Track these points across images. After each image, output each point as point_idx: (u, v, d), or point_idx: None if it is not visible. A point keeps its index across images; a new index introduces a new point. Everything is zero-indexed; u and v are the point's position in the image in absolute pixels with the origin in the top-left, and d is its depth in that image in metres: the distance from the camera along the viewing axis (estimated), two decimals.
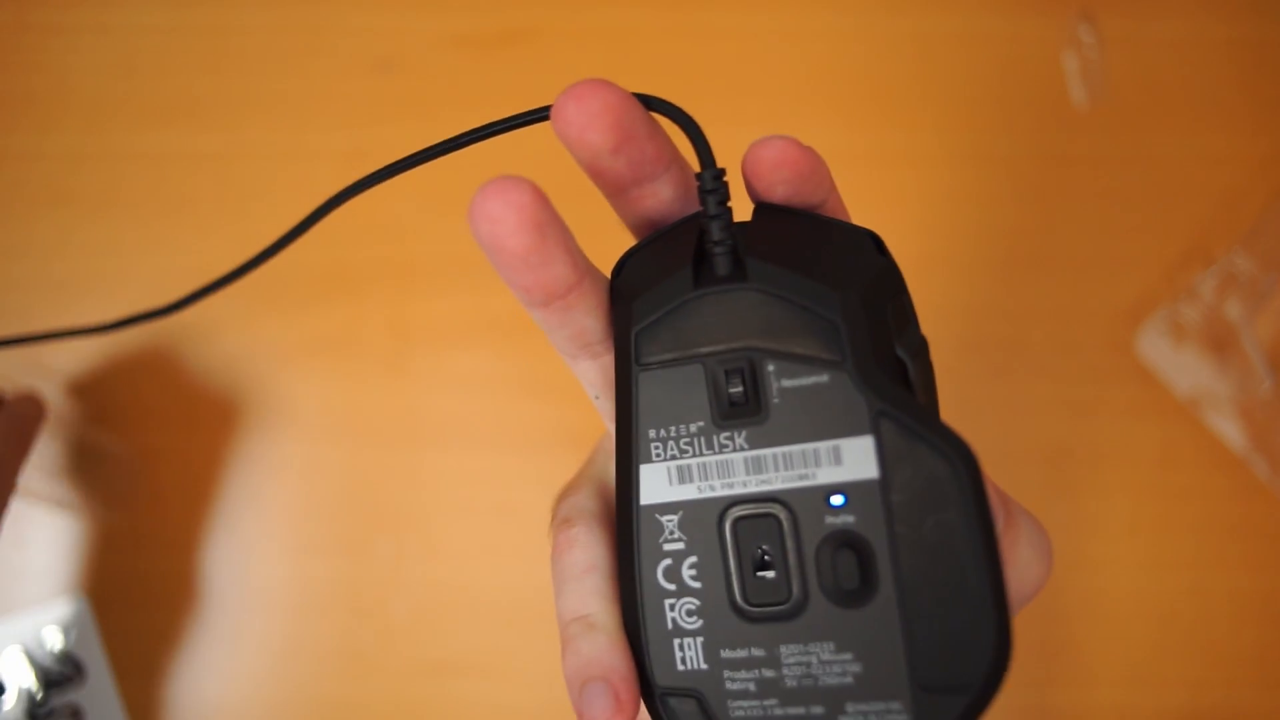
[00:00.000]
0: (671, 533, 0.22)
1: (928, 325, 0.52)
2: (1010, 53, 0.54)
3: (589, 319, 0.24)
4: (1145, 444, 0.50)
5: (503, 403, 0.50)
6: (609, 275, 0.25)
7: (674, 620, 0.22)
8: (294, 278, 0.51)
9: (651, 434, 0.22)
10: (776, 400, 0.21)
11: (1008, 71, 0.54)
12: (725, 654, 0.22)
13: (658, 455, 0.22)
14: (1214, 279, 0.50)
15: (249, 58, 0.54)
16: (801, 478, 0.21)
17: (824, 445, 0.21)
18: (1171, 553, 0.49)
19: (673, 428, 0.22)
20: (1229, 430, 0.49)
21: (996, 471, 0.50)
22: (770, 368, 0.22)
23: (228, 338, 0.51)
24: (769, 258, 0.22)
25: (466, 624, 0.48)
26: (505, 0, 0.54)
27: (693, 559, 0.22)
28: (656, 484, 0.22)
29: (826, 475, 0.21)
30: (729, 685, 0.22)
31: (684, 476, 0.22)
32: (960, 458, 0.20)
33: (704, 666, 0.22)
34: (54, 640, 0.48)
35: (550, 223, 0.21)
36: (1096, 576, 0.49)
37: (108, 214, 0.52)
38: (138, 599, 0.48)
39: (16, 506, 0.49)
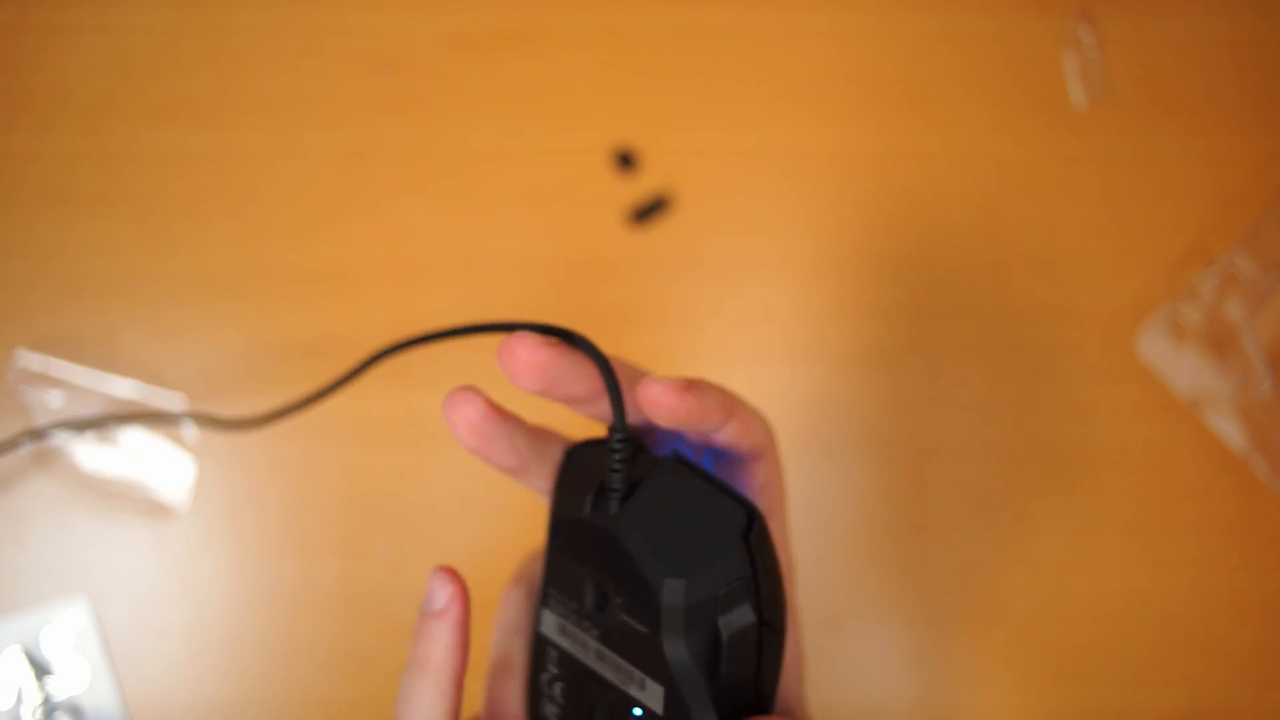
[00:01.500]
0: (552, 659, 0.30)
1: (928, 325, 0.52)
2: (1010, 53, 0.54)
3: (543, 482, 0.30)
4: (1145, 444, 0.50)
5: (502, 403, 0.50)
6: None
7: (545, 704, 0.30)
8: (294, 278, 0.51)
9: (554, 591, 0.29)
10: (617, 623, 0.27)
11: (1008, 71, 0.54)
12: None
13: (555, 608, 0.29)
14: (1214, 279, 0.50)
15: (248, 57, 0.54)
16: (624, 683, 0.27)
17: (637, 673, 0.27)
18: (1171, 553, 0.49)
19: (565, 597, 0.29)
20: (1229, 430, 0.49)
21: (996, 471, 0.50)
22: (617, 600, 0.27)
23: (228, 337, 0.51)
24: (637, 519, 0.26)
25: None
26: (505, 0, 0.54)
27: (559, 684, 0.30)
28: (551, 624, 0.30)
29: (635, 692, 0.27)
30: None
31: (564, 632, 0.29)
32: None
33: None
34: (54, 640, 0.48)
35: (494, 430, 0.28)
36: (1096, 576, 0.49)
37: (106, 214, 0.52)
38: (138, 599, 0.48)
39: (16, 507, 0.49)
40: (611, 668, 0.28)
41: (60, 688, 0.47)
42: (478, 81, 0.54)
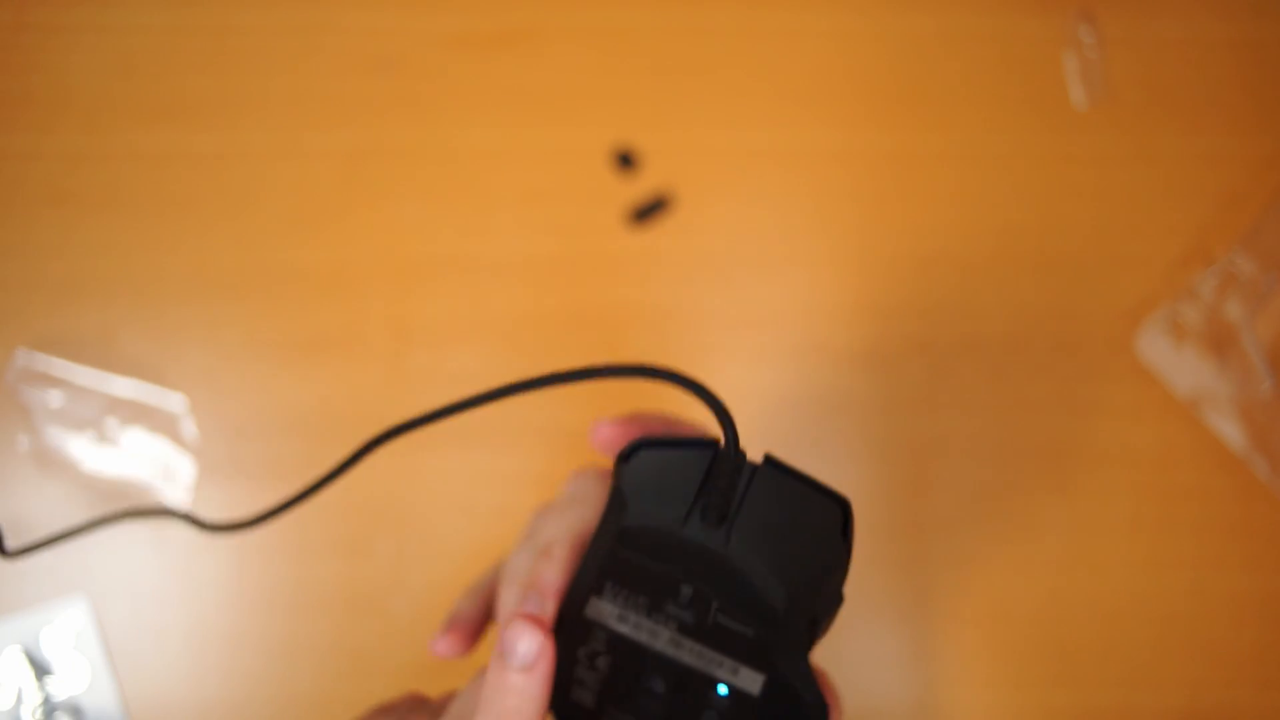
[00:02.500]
0: (599, 639, 0.30)
1: (928, 325, 0.52)
2: (1010, 53, 0.54)
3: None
4: (1145, 444, 0.50)
5: (502, 403, 0.50)
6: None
7: (580, 671, 0.30)
8: (294, 278, 0.51)
9: (611, 584, 0.29)
10: (711, 622, 0.28)
11: (1008, 71, 0.54)
12: (607, 710, 0.30)
13: (612, 598, 0.30)
14: (1214, 279, 0.50)
15: (247, 57, 0.54)
16: (708, 667, 0.29)
17: (729, 662, 0.28)
18: (1171, 553, 0.49)
19: (630, 592, 0.29)
20: (1229, 430, 0.49)
21: (996, 471, 0.50)
22: (715, 605, 0.28)
23: (228, 337, 0.51)
24: (749, 538, 0.28)
25: None
26: (504, 0, 0.54)
27: (603, 658, 0.30)
28: (604, 611, 0.30)
29: (722, 674, 0.29)
30: None
31: (623, 620, 0.29)
32: (816, 714, 0.28)
33: (591, 707, 0.30)
34: (54, 640, 0.48)
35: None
36: (1096, 576, 0.49)
37: (106, 214, 0.52)
38: (138, 599, 0.48)
39: (16, 507, 0.49)
40: (691, 654, 0.29)
41: (60, 688, 0.47)
42: (477, 81, 0.54)
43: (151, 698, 0.48)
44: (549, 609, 0.30)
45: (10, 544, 0.41)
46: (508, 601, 0.31)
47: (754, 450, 0.28)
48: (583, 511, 0.32)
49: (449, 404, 0.30)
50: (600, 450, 0.32)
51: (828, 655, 0.48)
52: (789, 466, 0.29)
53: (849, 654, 0.48)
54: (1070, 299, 0.52)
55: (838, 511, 0.29)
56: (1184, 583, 0.49)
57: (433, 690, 0.36)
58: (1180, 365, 0.50)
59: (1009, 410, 0.51)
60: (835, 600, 0.29)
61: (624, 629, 0.29)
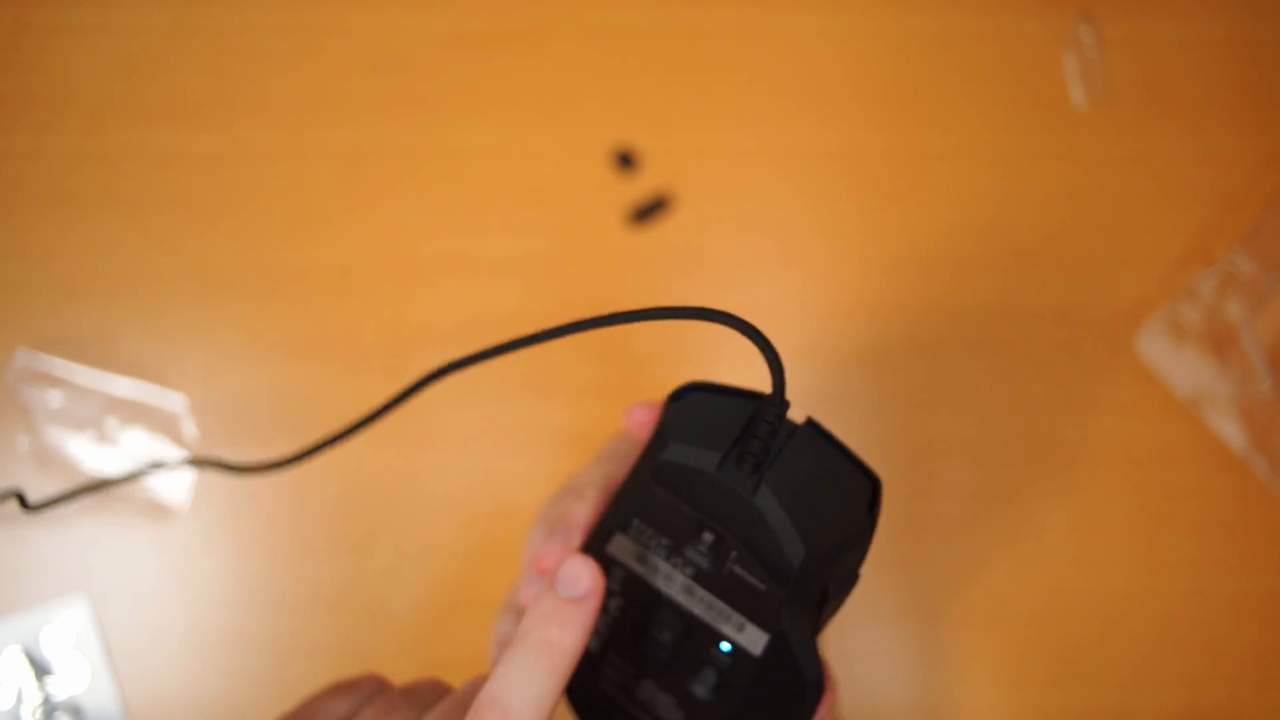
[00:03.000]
0: (615, 577, 0.31)
1: (928, 325, 0.52)
2: (1010, 53, 0.54)
3: None
4: (1145, 444, 0.50)
5: (502, 403, 0.50)
6: None
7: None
8: (294, 278, 0.51)
9: (639, 522, 0.30)
10: (726, 570, 0.29)
11: (1008, 71, 0.54)
12: (608, 656, 0.31)
13: (636, 536, 0.30)
14: (1214, 279, 0.50)
15: (248, 57, 0.54)
16: (715, 620, 0.29)
17: (737, 616, 0.29)
18: (1171, 553, 0.49)
19: (655, 531, 0.30)
20: (1229, 430, 0.49)
21: (996, 471, 0.50)
22: (734, 554, 0.28)
23: (228, 337, 0.51)
24: (779, 490, 0.27)
25: (466, 624, 0.48)
26: (504, 0, 0.54)
27: (615, 599, 0.30)
28: (625, 549, 0.30)
29: (730, 631, 0.29)
30: (602, 671, 0.31)
31: (641, 560, 0.30)
32: (811, 687, 0.28)
33: (592, 651, 0.31)
34: (54, 640, 0.48)
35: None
36: (1096, 576, 0.49)
37: (107, 213, 0.52)
38: (138, 599, 0.48)
39: (17, 506, 0.49)
40: (701, 604, 0.29)
41: (60, 688, 0.47)
42: (478, 81, 0.54)
43: (151, 698, 0.48)
44: (575, 542, 0.30)
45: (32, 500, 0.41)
46: (534, 539, 0.32)
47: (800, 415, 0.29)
48: (619, 464, 0.33)
49: (506, 341, 0.30)
50: (637, 432, 0.33)
51: (829, 653, 0.48)
52: (829, 433, 0.29)
53: (849, 654, 0.48)
54: (1070, 299, 0.52)
55: (868, 488, 0.29)
56: (1184, 582, 0.49)
57: None
58: (1180, 365, 0.50)
59: (1009, 410, 0.51)
60: (850, 577, 0.29)
61: (641, 570, 0.30)
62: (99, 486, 0.39)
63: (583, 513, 0.31)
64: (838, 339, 0.51)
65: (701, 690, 0.29)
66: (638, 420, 0.34)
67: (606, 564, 0.30)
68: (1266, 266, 0.50)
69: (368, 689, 0.32)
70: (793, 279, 0.52)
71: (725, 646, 0.29)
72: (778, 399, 0.27)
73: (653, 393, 0.49)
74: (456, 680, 0.33)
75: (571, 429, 0.50)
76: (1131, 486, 0.50)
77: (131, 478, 0.40)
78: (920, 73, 0.54)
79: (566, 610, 0.26)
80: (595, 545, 0.31)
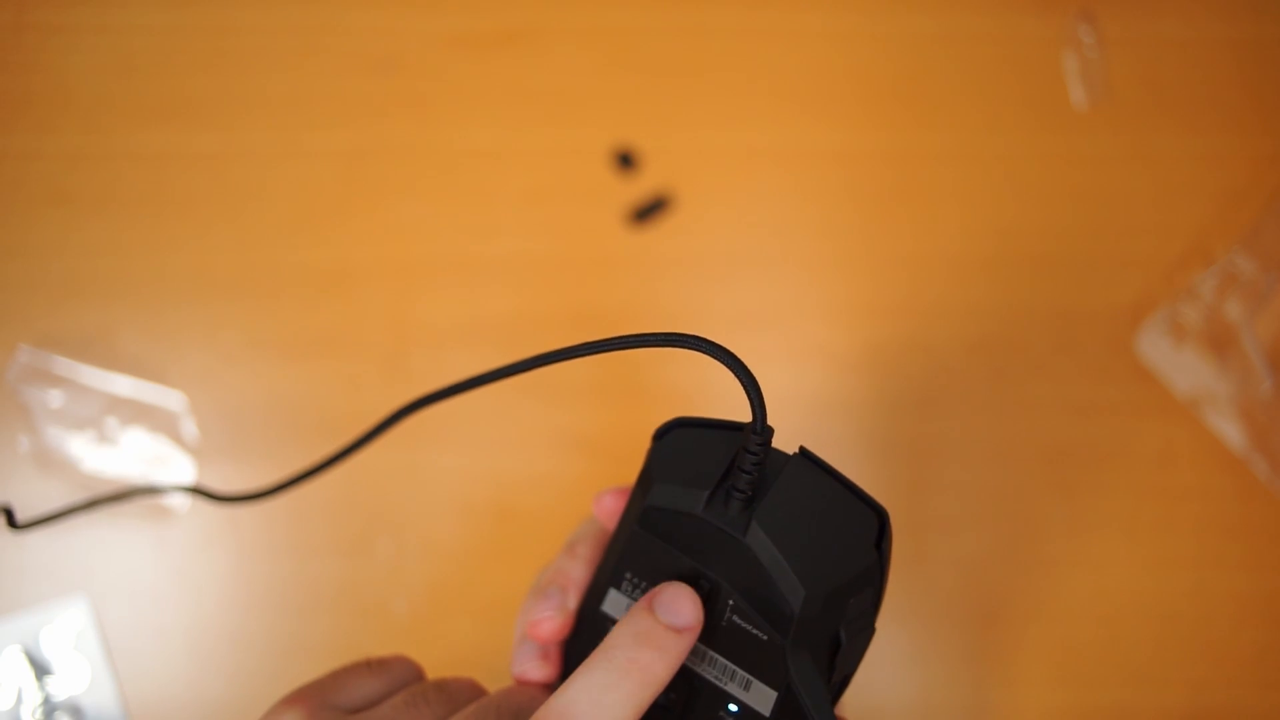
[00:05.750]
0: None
1: (929, 325, 0.52)
2: (1010, 53, 0.54)
3: None
4: (1145, 444, 0.50)
5: (502, 403, 0.50)
6: None
7: None
8: (294, 278, 0.51)
9: (630, 575, 0.28)
10: (725, 622, 0.26)
11: (1008, 71, 0.54)
12: None
13: (630, 592, 0.28)
14: (1214, 279, 0.50)
15: (247, 57, 0.54)
16: (717, 679, 0.27)
17: (741, 673, 0.26)
18: (1171, 553, 0.49)
19: (649, 585, 0.28)
20: (1229, 430, 0.49)
21: (997, 471, 0.50)
22: (730, 603, 0.26)
23: (228, 337, 0.51)
24: (771, 526, 0.25)
25: (466, 624, 0.48)
26: (504, 0, 0.54)
27: None
28: (622, 606, 0.28)
29: (737, 691, 0.27)
30: None
31: None
32: None
33: None
34: (54, 640, 0.48)
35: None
36: (1096, 576, 0.49)
37: (106, 213, 0.52)
38: (138, 599, 0.48)
39: (16, 506, 0.49)
40: (704, 662, 0.27)
41: (60, 688, 0.47)
42: (477, 81, 0.54)
43: (151, 698, 0.48)
44: (571, 603, 0.28)
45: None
46: (527, 604, 0.30)
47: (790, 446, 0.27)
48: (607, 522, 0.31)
49: (477, 375, 0.29)
50: (606, 522, 0.30)
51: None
52: (825, 463, 0.27)
53: None
54: (1070, 299, 0.52)
55: (873, 520, 0.26)
56: (1184, 582, 0.49)
57: None
58: (1180, 365, 0.50)
59: (1009, 410, 0.51)
60: (863, 626, 0.27)
61: None
62: (89, 506, 0.39)
63: (577, 571, 0.29)
64: (838, 339, 0.51)
65: None
66: (606, 510, 0.31)
67: (603, 624, 0.28)
68: (1266, 266, 0.50)
69: (399, 672, 0.30)
70: (793, 279, 0.52)
71: (733, 708, 0.27)
72: (759, 426, 0.25)
73: (653, 392, 0.49)
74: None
75: (571, 429, 0.50)
76: (1131, 486, 0.50)
77: (120, 497, 0.40)
78: (920, 73, 0.54)
79: (666, 637, 0.25)
80: (590, 605, 0.29)
